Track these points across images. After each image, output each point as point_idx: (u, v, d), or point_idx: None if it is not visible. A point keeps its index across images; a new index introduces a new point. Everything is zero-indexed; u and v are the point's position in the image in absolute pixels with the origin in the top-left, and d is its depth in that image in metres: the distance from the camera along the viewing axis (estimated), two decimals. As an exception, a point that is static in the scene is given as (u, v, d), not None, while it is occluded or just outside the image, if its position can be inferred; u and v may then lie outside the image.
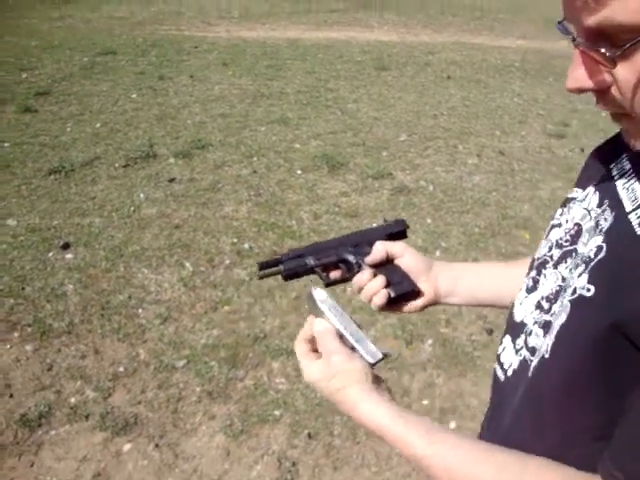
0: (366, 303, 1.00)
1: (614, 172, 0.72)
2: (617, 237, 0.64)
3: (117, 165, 4.95)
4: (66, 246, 3.71)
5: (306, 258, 1.03)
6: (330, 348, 0.80)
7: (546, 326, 0.69)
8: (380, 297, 0.97)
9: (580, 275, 0.66)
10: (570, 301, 0.66)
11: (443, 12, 15.07)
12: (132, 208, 4.24)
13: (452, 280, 1.01)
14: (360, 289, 1.00)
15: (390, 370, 2.85)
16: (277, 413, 2.58)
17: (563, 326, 0.66)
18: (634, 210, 0.64)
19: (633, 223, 0.63)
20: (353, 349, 0.81)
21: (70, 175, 4.71)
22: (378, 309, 0.99)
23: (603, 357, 0.61)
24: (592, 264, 0.66)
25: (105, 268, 3.52)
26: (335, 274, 1.04)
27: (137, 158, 5.04)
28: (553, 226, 0.79)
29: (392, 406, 0.75)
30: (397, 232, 1.08)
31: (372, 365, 0.79)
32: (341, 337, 0.81)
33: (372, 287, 0.98)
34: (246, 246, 3.83)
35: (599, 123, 6.70)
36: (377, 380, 0.80)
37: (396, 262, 1.01)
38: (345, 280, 1.04)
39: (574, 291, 0.66)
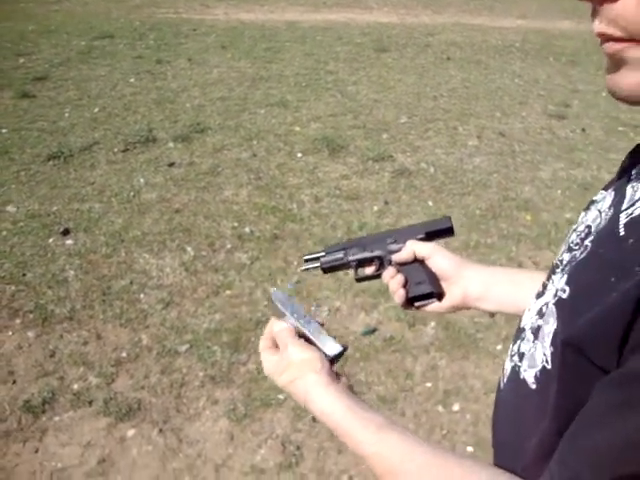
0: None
1: (634, 172, 0.65)
2: (602, 236, 0.60)
3: (116, 150, 4.92)
4: (66, 232, 3.70)
5: (344, 253, 1.05)
6: (286, 341, 0.81)
7: (536, 331, 0.65)
8: (398, 296, 0.99)
9: (563, 276, 0.63)
10: (554, 304, 0.61)
11: (443, -8, 14.91)
12: (132, 193, 4.22)
13: (485, 285, 0.96)
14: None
15: (393, 353, 2.85)
16: (280, 397, 2.57)
17: (555, 333, 0.61)
18: (626, 209, 0.58)
19: (620, 222, 0.57)
20: (314, 345, 0.82)
21: (69, 160, 4.68)
22: (401, 307, 1.01)
23: (566, 366, 0.56)
24: (573, 263, 0.63)
25: (106, 254, 3.51)
26: (369, 270, 1.06)
27: (136, 143, 5.01)
28: (573, 230, 0.74)
29: (344, 398, 0.73)
30: (439, 230, 1.04)
31: (331, 358, 0.80)
32: (301, 336, 0.83)
33: (391, 286, 0.99)
34: (247, 230, 3.81)
35: (600, 104, 6.66)
36: (333, 373, 0.79)
37: (427, 262, 0.99)
38: (376, 277, 1.05)
39: (556, 293, 0.62)
